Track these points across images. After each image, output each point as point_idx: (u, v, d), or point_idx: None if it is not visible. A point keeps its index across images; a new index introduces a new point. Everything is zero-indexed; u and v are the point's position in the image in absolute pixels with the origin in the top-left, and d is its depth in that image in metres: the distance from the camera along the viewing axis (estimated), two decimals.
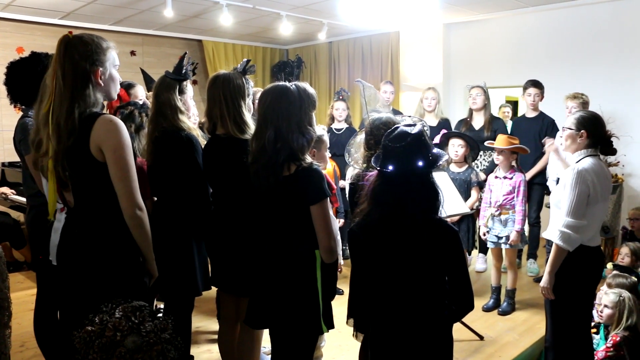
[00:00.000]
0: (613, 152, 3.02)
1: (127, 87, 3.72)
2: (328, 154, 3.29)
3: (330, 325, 2.43)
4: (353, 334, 2.77)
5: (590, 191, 2.85)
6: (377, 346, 2.17)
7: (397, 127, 2.10)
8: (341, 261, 2.90)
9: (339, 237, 2.78)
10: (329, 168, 4.60)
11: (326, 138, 3.08)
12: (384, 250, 2.07)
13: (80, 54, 2.10)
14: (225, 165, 2.68)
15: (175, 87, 2.86)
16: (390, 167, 2.02)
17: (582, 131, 2.96)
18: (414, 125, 2.10)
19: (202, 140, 2.90)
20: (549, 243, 3.11)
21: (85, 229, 2.18)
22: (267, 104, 2.32)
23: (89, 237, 2.17)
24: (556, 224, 2.95)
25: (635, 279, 3.84)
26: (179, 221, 2.85)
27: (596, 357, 3.46)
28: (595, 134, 2.96)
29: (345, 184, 3.82)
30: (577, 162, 2.94)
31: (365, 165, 2.65)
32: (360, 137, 2.86)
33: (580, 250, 2.91)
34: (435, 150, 2.12)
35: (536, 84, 5.27)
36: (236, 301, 2.84)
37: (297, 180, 2.27)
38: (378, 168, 2.08)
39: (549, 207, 4.96)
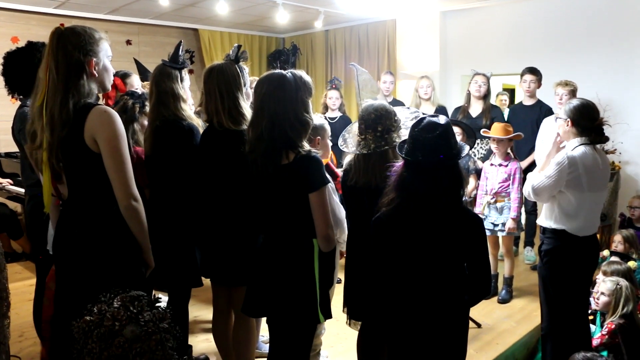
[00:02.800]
0: (604, 140, 3.03)
1: (123, 76, 3.71)
2: (330, 143, 3.29)
3: (328, 315, 2.43)
4: (346, 322, 2.78)
5: (573, 180, 2.88)
6: (396, 332, 2.20)
7: (424, 118, 2.13)
8: (343, 248, 2.91)
9: (344, 224, 2.79)
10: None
11: (327, 126, 3.07)
12: (413, 238, 2.11)
13: (73, 45, 2.09)
14: (220, 157, 2.67)
15: (177, 75, 2.86)
16: (421, 157, 2.04)
17: (567, 119, 2.98)
18: (438, 116, 2.14)
19: (202, 130, 2.89)
20: (544, 231, 3.12)
21: (81, 221, 2.18)
22: (263, 92, 2.31)
23: (84, 229, 2.17)
24: (550, 209, 2.99)
25: (630, 265, 3.87)
26: (179, 212, 2.84)
27: (591, 344, 3.49)
28: (579, 122, 2.97)
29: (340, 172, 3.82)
30: (573, 149, 2.95)
31: (354, 149, 2.67)
32: (356, 124, 2.87)
33: (571, 240, 2.93)
34: (457, 139, 2.17)
35: (532, 70, 5.26)
36: (228, 292, 2.85)
37: (296, 169, 2.26)
38: (408, 158, 2.09)
39: None
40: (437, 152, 2.04)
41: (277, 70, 2.37)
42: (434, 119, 2.10)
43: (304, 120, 2.31)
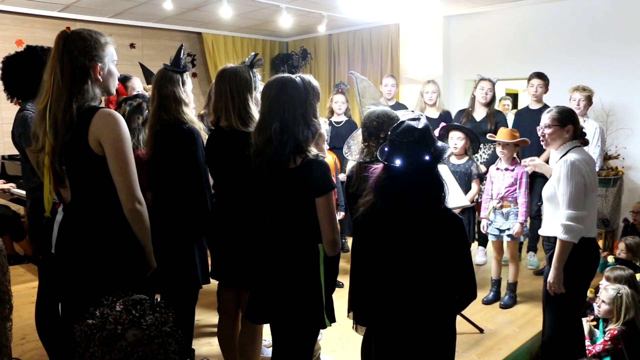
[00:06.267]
0: (586, 142, 3.11)
1: (123, 80, 3.71)
2: (326, 147, 3.29)
3: (332, 319, 2.43)
4: (353, 327, 2.77)
5: (586, 180, 2.88)
6: (381, 337, 2.17)
7: (403, 122, 2.10)
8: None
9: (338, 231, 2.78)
10: (329, 161, 4.61)
11: (324, 131, 3.07)
12: (389, 241, 2.08)
13: (79, 49, 2.09)
14: (227, 158, 2.68)
15: (179, 79, 2.86)
16: (398, 162, 2.02)
17: (568, 126, 3.01)
18: (419, 119, 2.11)
19: (203, 133, 2.89)
20: (549, 240, 3.10)
21: (84, 224, 2.18)
22: (272, 96, 2.31)
23: (87, 231, 2.17)
24: (558, 218, 2.95)
25: (633, 271, 3.86)
26: (178, 215, 2.85)
27: (594, 350, 3.49)
28: (577, 127, 3.04)
29: (344, 177, 3.80)
30: (565, 155, 2.97)
31: (358, 156, 2.66)
32: (360, 131, 2.87)
33: (581, 241, 2.92)
34: (439, 144, 2.13)
35: (540, 75, 5.26)
36: (237, 294, 2.85)
37: (303, 173, 2.26)
38: (385, 162, 2.08)
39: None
40: (414, 156, 2.02)
41: (286, 74, 2.37)
42: (413, 123, 2.07)
43: (312, 125, 2.31)
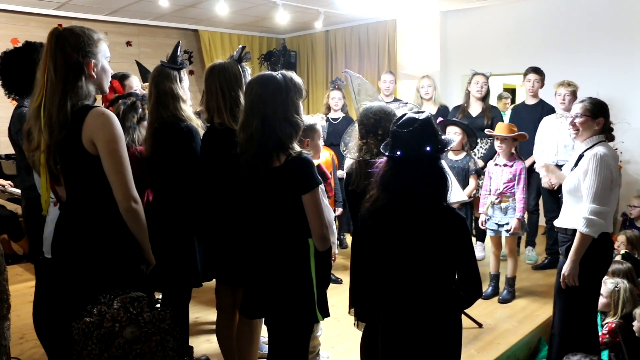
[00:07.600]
0: (612, 138, 3.06)
1: (121, 78, 3.69)
2: (322, 143, 3.28)
3: (326, 314, 2.43)
4: (354, 324, 2.77)
5: (613, 176, 2.87)
6: (388, 333, 2.18)
7: (405, 114, 2.10)
8: (335, 250, 2.90)
9: (333, 226, 2.78)
10: (327, 157, 4.60)
11: (319, 127, 3.06)
12: (392, 236, 2.08)
13: (72, 46, 2.08)
14: (220, 156, 2.67)
15: (176, 76, 2.85)
16: (398, 153, 2.02)
17: (600, 118, 2.97)
18: (422, 112, 2.10)
19: (201, 130, 2.89)
20: (566, 232, 3.08)
21: (80, 222, 2.18)
22: (252, 94, 2.31)
23: (83, 230, 2.16)
24: (579, 211, 2.93)
25: (631, 265, 3.86)
26: (179, 213, 2.84)
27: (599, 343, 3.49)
28: (608, 120, 3.00)
29: (343, 173, 3.79)
30: (590, 148, 2.95)
31: (357, 154, 2.65)
32: (356, 127, 2.86)
33: (599, 236, 2.92)
34: (443, 136, 2.12)
35: (536, 70, 5.25)
36: (233, 292, 2.85)
37: (287, 171, 2.26)
38: (387, 154, 2.08)
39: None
40: (414, 147, 2.01)
41: (267, 72, 2.36)
42: (414, 114, 2.07)
43: (294, 122, 2.31)
